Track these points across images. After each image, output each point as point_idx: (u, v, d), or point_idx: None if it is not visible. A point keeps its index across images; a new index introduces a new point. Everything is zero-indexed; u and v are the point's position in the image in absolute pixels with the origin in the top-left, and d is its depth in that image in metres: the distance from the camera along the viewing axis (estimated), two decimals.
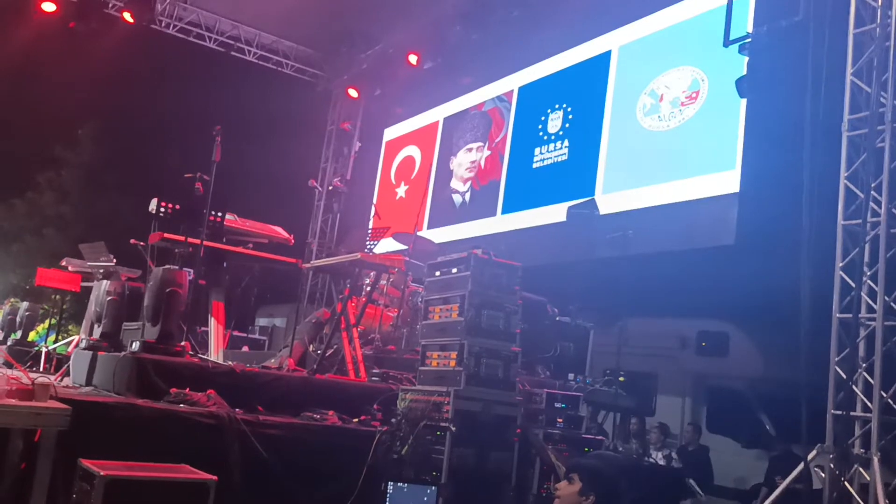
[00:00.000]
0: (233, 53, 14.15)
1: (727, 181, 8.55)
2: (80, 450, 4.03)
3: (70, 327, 18.83)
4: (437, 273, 5.65)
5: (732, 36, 7.42)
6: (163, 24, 13.51)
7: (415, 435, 5.02)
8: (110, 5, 12.77)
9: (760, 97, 7.56)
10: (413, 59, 12.89)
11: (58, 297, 10.99)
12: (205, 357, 5.83)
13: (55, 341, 10.35)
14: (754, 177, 8.31)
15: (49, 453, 3.56)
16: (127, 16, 12.21)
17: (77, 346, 8.73)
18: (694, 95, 9.23)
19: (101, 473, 3.78)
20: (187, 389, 4.99)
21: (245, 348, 10.26)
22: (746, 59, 7.48)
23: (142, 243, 8.78)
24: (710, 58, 9.00)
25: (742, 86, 7.25)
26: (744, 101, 8.24)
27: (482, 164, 12.61)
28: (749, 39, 7.22)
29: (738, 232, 8.34)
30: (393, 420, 5.31)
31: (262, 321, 14.73)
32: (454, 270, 5.45)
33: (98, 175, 29.86)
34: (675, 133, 9.38)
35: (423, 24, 12.44)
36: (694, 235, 8.84)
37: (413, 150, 14.68)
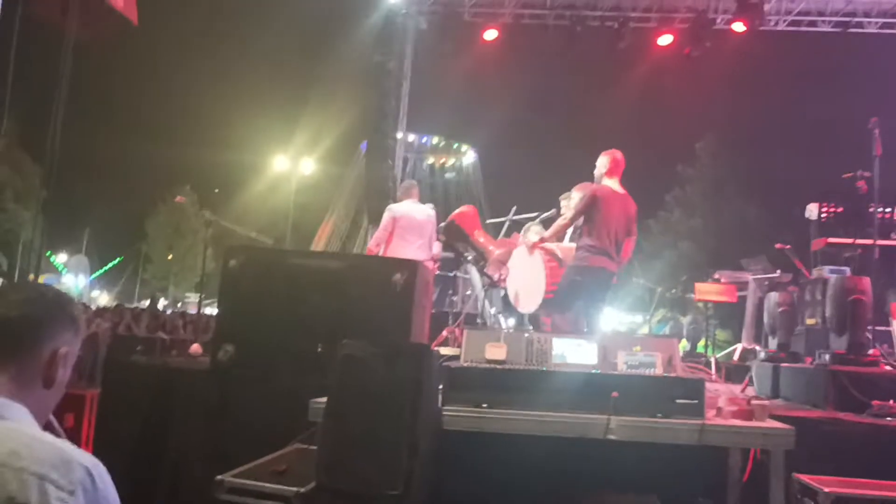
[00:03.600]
0: (850, 30, 13.16)
1: None
2: (791, 463, 4.10)
3: (716, 333, 19.68)
4: None
5: None
6: (771, 24, 13.34)
7: None
8: (718, 20, 13.16)
9: None
10: None
11: (703, 306, 11.50)
12: None
13: (705, 348, 10.87)
14: None
15: (780, 472, 3.69)
16: (737, 26, 12.41)
17: (741, 354, 9.03)
18: None
19: (826, 490, 3.77)
20: (891, 402, 4.69)
21: None
22: None
23: (788, 246, 8.69)
24: None
25: None
26: None
27: None
28: None
29: None
30: None
31: None
32: None
33: (720, 186, 31.06)
34: None
35: None
36: None
37: None
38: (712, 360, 9.33)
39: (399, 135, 14.70)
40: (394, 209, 7.72)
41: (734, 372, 8.21)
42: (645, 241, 33.05)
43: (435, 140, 42.14)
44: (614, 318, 27.80)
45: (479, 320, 8.00)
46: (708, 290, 10.36)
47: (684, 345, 11.06)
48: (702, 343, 11.72)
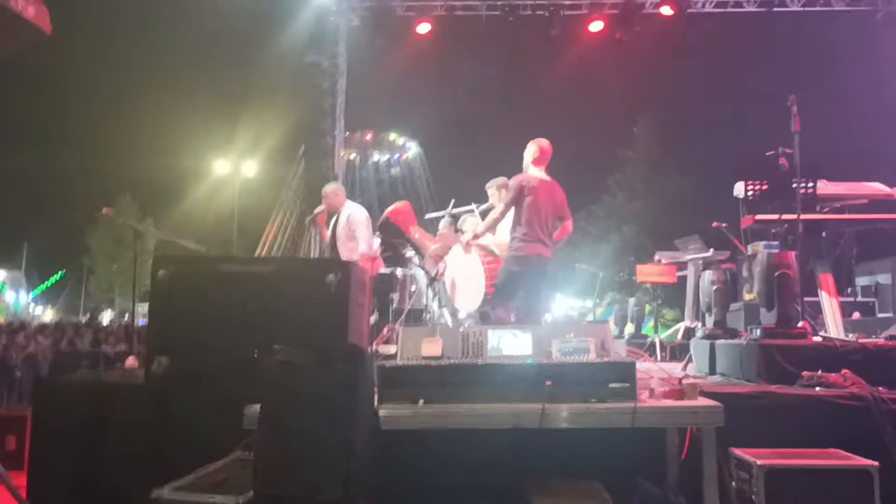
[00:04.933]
0: (775, 10, 13.46)
1: None
2: (727, 437, 4.20)
3: (663, 312, 20.05)
4: None
5: None
6: (698, 5, 13.57)
7: None
8: (647, 5, 13.34)
9: None
10: None
11: (650, 287, 11.71)
12: (828, 335, 5.58)
13: (654, 328, 11.06)
14: None
15: (711, 448, 3.78)
16: (665, 9, 12.61)
17: (684, 333, 9.20)
18: None
19: (759, 463, 3.88)
20: (819, 371, 4.84)
21: (856, 315, 9.58)
22: None
23: (724, 224, 8.86)
24: None
25: None
26: None
27: None
28: None
29: None
30: None
31: (862, 280, 13.51)
32: None
33: (659, 166, 31.64)
34: None
35: None
36: None
37: None
38: (656, 340, 9.50)
39: (338, 132, 14.61)
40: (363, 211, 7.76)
41: (679, 351, 8.37)
42: (591, 227, 33.47)
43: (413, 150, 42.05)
44: (565, 303, 28.13)
45: (426, 315, 8.00)
46: (649, 272, 10.52)
47: (630, 328, 11.20)
48: (651, 324, 11.90)
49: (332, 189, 8.09)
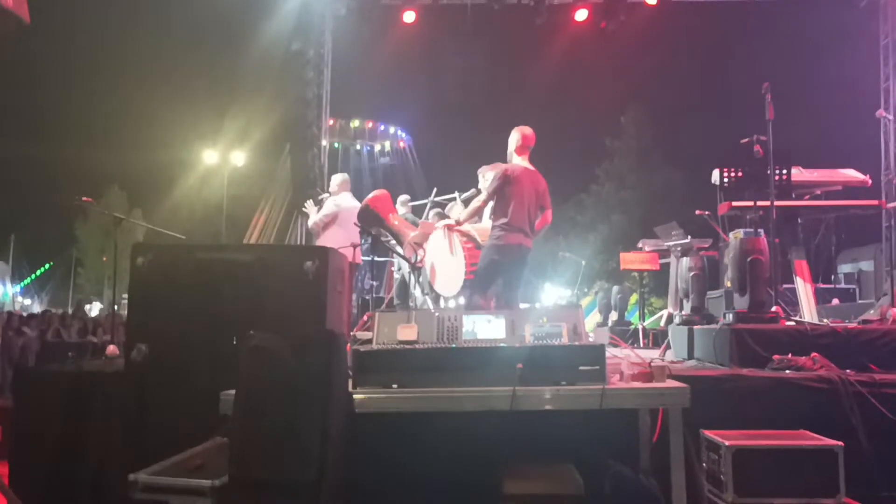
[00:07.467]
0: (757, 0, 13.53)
1: None
2: (699, 420, 4.29)
3: (651, 300, 20.18)
4: None
5: None
6: None
7: None
8: None
9: None
10: None
11: (637, 275, 11.82)
12: (800, 320, 5.66)
13: (640, 317, 11.16)
14: None
15: (678, 428, 3.86)
16: None
17: (666, 320, 9.30)
18: None
19: (727, 444, 3.97)
20: (789, 355, 4.93)
21: (835, 301, 9.69)
22: None
23: (707, 213, 8.95)
24: None
25: None
26: None
27: None
28: None
29: None
30: None
31: (845, 267, 13.66)
32: None
33: (647, 156, 31.80)
34: None
35: None
36: None
37: None
38: (639, 327, 9.58)
39: (330, 122, 14.64)
40: (338, 202, 8.00)
41: (662, 337, 8.46)
42: (580, 216, 33.57)
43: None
44: (555, 293, 28.17)
45: (411, 303, 8.07)
46: (633, 260, 10.62)
47: (613, 315, 11.29)
48: (638, 312, 11.98)
49: (335, 180, 8.67)
